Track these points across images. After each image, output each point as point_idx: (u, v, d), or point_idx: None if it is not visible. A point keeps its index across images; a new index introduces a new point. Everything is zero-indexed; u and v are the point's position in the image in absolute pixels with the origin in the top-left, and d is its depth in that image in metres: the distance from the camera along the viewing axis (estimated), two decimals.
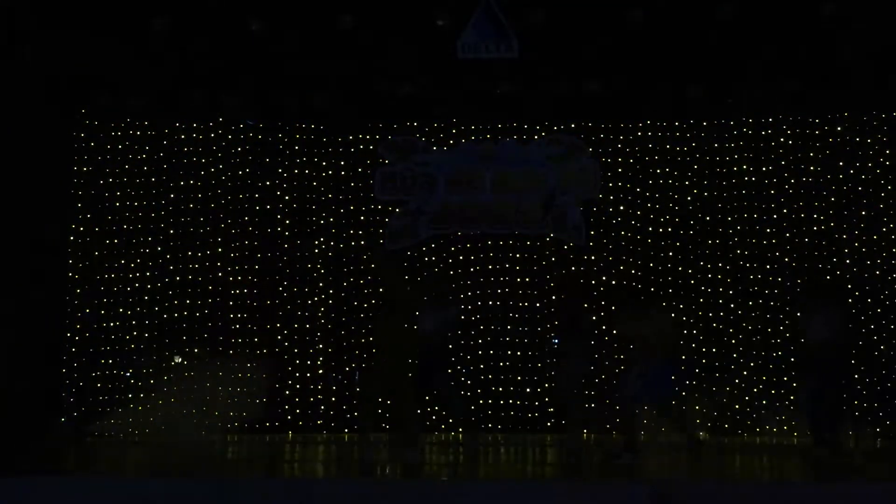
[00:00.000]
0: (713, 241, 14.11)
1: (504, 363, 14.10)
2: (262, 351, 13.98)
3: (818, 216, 13.97)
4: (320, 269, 14.33)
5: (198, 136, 14.46)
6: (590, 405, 13.56)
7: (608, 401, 13.49)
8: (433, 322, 12.10)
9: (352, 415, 13.91)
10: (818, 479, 9.50)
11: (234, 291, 14.19)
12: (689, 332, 13.91)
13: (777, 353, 13.71)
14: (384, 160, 14.48)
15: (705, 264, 14.08)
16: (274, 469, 10.46)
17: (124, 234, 14.17)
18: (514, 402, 13.98)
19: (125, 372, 13.84)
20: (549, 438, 13.28)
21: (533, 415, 13.93)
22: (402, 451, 10.63)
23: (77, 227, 14.11)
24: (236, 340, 14.03)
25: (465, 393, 14.01)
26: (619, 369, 13.31)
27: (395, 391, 10.92)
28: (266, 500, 8.36)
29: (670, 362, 10.94)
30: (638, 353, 10.86)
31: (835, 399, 11.11)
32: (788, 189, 14.06)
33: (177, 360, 13.89)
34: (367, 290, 14.29)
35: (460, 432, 13.38)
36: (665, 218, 14.23)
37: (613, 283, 14.14)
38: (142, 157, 14.37)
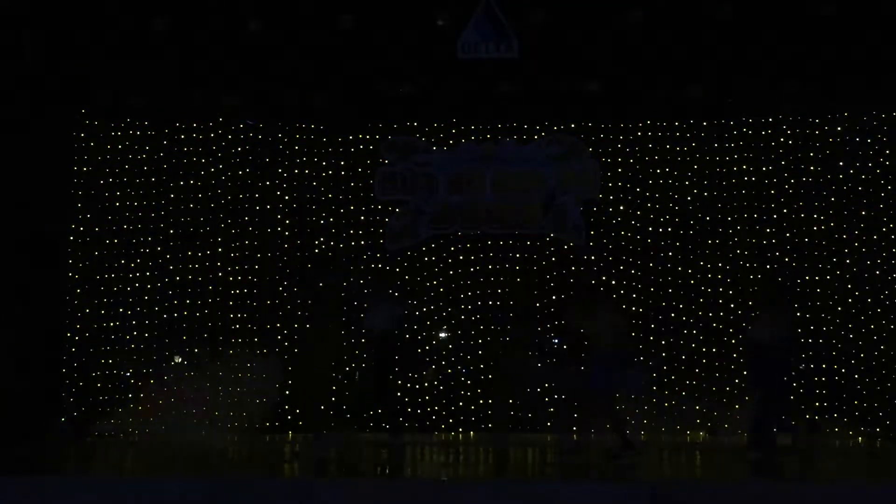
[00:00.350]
0: (713, 241, 14.10)
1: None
2: (261, 351, 13.96)
3: (818, 216, 13.96)
4: (320, 268, 14.32)
5: (198, 135, 14.46)
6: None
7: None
8: (381, 320, 12.24)
9: (352, 415, 13.94)
10: (818, 480, 9.50)
11: (234, 291, 14.19)
12: (690, 332, 13.91)
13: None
14: (384, 160, 14.47)
15: (705, 264, 14.07)
16: (274, 469, 10.45)
17: (124, 234, 14.17)
18: (514, 402, 13.96)
19: (125, 372, 13.84)
20: (548, 438, 13.27)
21: (533, 415, 13.91)
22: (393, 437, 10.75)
23: (77, 227, 14.11)
24: (236, 340, 14.02)
25: (466, 393, 14.01)
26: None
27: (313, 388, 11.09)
28: (265, 500, 8.37)
29: (616, 356, 10.91)
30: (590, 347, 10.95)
31: (776, 401, 11.12)
32: (788, 189, 14.05)
33: (177, 360, 13.89)
34: (367, 290, 14.27)
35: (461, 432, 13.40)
36: (665, 218, 14.22)
37: (613, 282, 14.15)
38: (142, 156, 14.36)
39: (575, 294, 12.32)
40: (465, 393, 14.02)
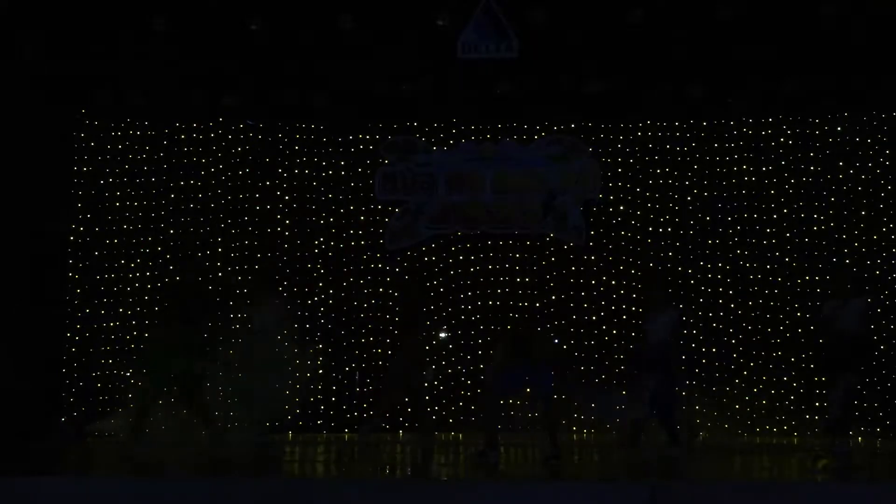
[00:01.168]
0: (713, 241, 14.11)
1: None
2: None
3: (818, 216, 13.96)
4: (320, 269, 14.33)
5: (198, 135, 14.46)
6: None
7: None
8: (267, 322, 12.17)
9: (352, 415, 13.96)
10: (818, 480, 9.50)
11: (235, 291, 14.18)
12: (689, 332, 13.91)
13: (777, 353, 13.71)
14: (384, 160, 14.48)
15: (705, 264, 14.08)
16: (273, 469, 10.44)
17: (124, 234, 14.18)
18: (514, 402, 13.95)
19: (125, 372, 13.83)
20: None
21: (534, 415, 13.90)
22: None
23: (77, 227, 14.11)
24: (236, 341, 13.99)
25: (466, 393, 14.01)
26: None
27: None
28: (266, 500, 8.36)
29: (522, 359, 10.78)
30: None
31: (670, 397, 11.29)
32: (788, 189, 14.06)
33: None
34: (368, 290, 14.29)
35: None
36: (665, 218, 14.23)
37: (613, 282, 14.15)
38: (142, 156, 14.37)
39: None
40: (466, 393, 14.02)
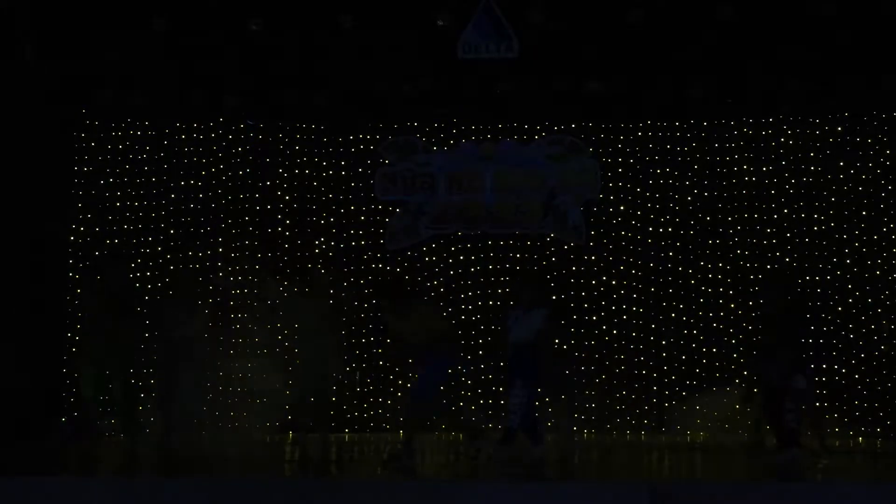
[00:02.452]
0: (713, 242, 14.10)
1: (505, 363, 14.08)
2: (262, 351, 13.94)
3: (818, 216, 13.95)
4: (320, 268, 14.32)
5: (198, 135, 14.46)
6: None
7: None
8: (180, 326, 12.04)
9: (352, 415, 13.97)
10: (818, 480, 9.50)
11: (234, 291, 14.18)
12: (690, 332, 13.91)
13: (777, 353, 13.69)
14: (384, 160, 14.48)
15: (705, 264, 14.07)
16: (273, 469, 10.44)
17: (125, 234, 14.18)
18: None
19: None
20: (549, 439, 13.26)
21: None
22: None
23: (77, 227, 14.12)
24: (236, 340, 14.00)
25: (467, 393, 14.01)
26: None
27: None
28: (264, 500, 8.36)
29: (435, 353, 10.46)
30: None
31: (532, 399, 10.87)
32: (789, 189, 14.05)
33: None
34: (368, 290, 14.29)
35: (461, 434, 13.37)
36: (665, 218, 14.22)
37: (613, 282, 14.15)
38: (142, 156, 14.37)
39: (387, 290, 11.24)
40: (466, 393, 14.02)
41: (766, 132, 14.17)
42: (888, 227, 13.71)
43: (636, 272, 14.16)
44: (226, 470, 10.12)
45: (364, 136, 14.53)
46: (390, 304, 10.70)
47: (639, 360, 13.99)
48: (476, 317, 14.24)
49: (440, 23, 12.66)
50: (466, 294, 14.30)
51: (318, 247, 14.39)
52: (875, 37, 12.48)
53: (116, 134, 14.36)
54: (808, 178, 14.03)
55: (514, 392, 10.57)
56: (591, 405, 13.81)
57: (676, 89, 13.39)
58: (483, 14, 12.66)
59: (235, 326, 14.07)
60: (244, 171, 14.43)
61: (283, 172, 14.47)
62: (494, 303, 14.23)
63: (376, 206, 14.45)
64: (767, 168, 14.11)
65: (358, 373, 14.08)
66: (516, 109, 14.09)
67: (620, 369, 13.95)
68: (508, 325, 10.85)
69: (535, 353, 10.59)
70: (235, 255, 14.29)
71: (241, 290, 14.19)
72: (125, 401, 11.68)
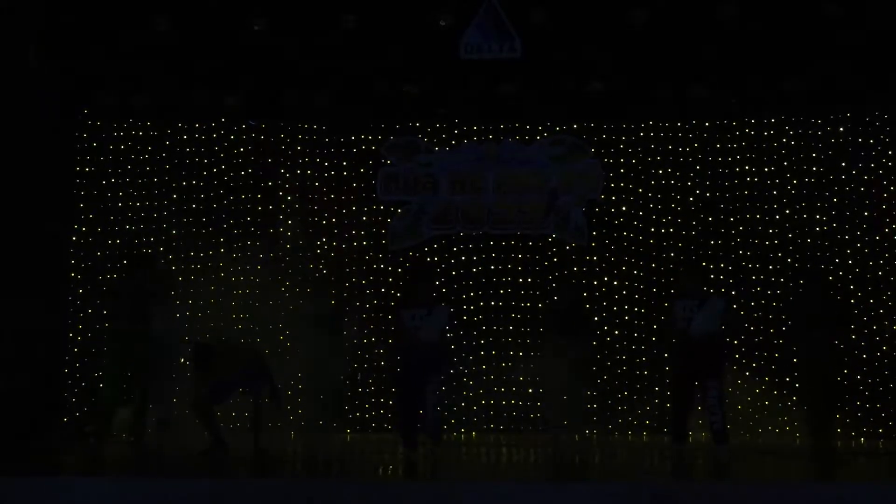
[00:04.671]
0: (715, 242, 14.10)
1: (506, 364, 14.09)
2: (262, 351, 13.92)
3: (820, 216, 13.94)
4: (322, 269, 14.33)
5: (200, 136, 14.47)
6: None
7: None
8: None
9: (353, 415, 13.97)
10: (818, 480, 9.49)
11: (236, 292, 14.18)
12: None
13: (777, 354, 13.69)
14: (386, 160, 14.48)
15: (707, 264, 14.05)
16: (273, 469, 10.44)
17: (126, 234, 14.18)
18: (515, 402, 13.96)
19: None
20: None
21: (535, 415, 13.91)
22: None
23: (79, 227, 14.13)
24: (236, 340, 13.99)
25: (468, 393, 14.00)
26: None
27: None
28: (266, 501, 8.35)
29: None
30: None
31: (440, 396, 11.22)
32: (791, 189, 14.04)
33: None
34: (369, 291, 14.29)
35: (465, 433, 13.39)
36: (667, 218, 14.22)
37: (615, 283, 14.14)
38: (144, 156, 14.38)
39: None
40: (466, 393, 14.00)
41: (768, 132, 14.16)
42: (889, 227, 13.68)
43: (638, 272, 14.16)
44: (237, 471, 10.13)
45: (366, 137, 14.53)
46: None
47: (640, 360, 13.97)
48: (478, 317, 14.23)
49: (442, 23, 12.68)
50: (468, 294, 14.29)
51: (321, 247, 14.38)
52: (876, 37, 12.48)
53: (118, 134, 14.38)
54: (809, 179, 14.02)
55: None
56: (591, 405, 13.78)
57: (678, 89, 13.40)
58: (485, 14, 12.67)
59: (237, 327, 14.07)
60: (246, 172, 14.44)
61: (284, 172, 14.48)
62: (497, 303, 14.21)
63: (378, 207, 14.45)
64: (769, 168, 14.10)
65: (359, 373, 14.07)
66: (518, 110, 14.09)
67: (621, 369, 13.94)
68: (415, 325, 10.90)
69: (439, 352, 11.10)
70: (237, 255, 14.28)
71: (243, 291, 14.17)
72: (142, 401, 11.97)
